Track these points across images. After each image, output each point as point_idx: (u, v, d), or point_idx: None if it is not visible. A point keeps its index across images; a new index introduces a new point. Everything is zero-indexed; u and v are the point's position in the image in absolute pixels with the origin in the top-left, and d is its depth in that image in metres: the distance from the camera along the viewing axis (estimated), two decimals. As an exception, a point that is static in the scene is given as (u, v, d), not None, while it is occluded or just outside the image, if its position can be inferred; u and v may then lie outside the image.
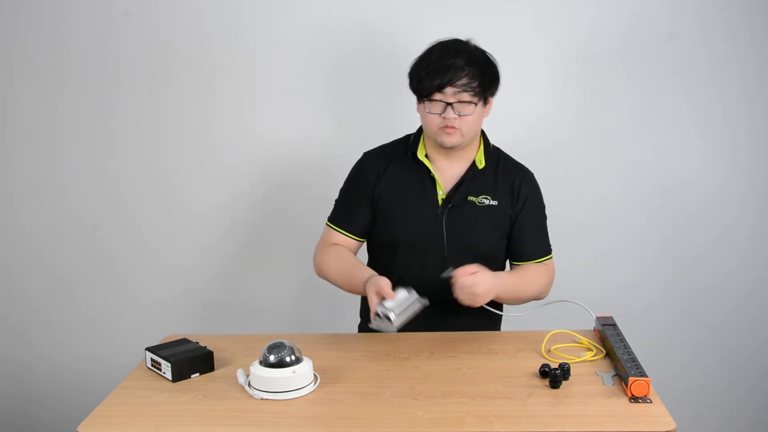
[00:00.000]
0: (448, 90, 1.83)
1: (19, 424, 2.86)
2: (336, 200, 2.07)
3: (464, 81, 1.82)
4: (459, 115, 1.85)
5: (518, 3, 2.50)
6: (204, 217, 2.68)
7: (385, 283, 1.74)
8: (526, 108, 2.56)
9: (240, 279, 2.72)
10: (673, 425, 1.43)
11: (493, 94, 1.93)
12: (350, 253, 2.00)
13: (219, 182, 2.65)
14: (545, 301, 1.91)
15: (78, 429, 1.46)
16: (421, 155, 1.97)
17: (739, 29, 2.49)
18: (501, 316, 2.08)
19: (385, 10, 2.50)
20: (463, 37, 1.92)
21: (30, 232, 2.72)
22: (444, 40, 1.91)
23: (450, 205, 1.94)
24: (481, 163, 1.97)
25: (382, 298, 1.72)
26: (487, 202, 1.96)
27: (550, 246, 2.05)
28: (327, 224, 2.05)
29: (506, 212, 1.98)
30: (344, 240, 2.02)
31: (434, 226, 1.94)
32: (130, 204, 2.67)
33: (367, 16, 2.51)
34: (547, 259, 2.04)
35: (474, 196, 1.95)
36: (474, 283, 1.75)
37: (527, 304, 1.93)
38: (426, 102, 1.87)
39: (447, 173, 1.97)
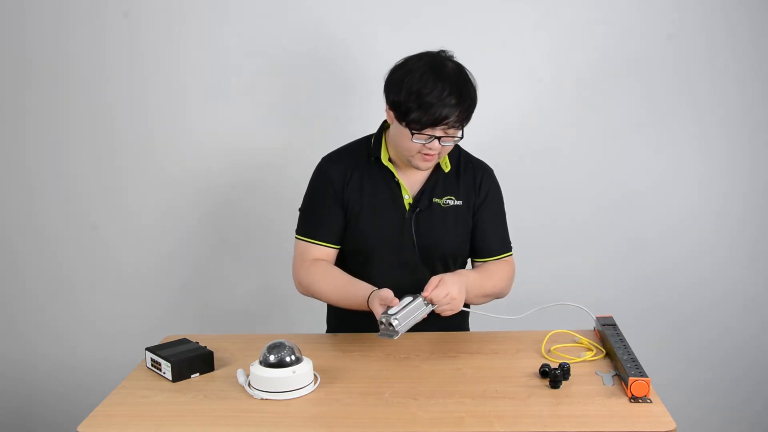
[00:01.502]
0: (440, 126, 1.79)
1: (19, 423, 2.86)
2: (302, 210, 2.02)
3: (455, 119, 1.79)
4: (442, 145, 1.83)
5: (520, 2, 2.50)
6: (205, 217, 2.68)
7: (388, 293, 1.74)
8: (525, 109, 2.56)
9: (241, 279, 2.72)
10: (673, 425, 1.43)
11: None
12: (337, 269, 1.96)
13: (218, 182, 2.65)
14: (544, 305, 1.90)
15: (78, 429, 1.47)
16: (385, 160, 1.95)
17: (740, 29, 2.49)
18: (468, 314, 2.09)
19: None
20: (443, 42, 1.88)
21: (30, 232, 2.72)
22: (432, 60, 1.82)
23: (417, 210, 1.94)
24: (446, 167, 1.97)
25: (388, 308, 1.71)
26: (451, 202, 1.96)
27: (510, 243, 2.05)
28: (299, 238, 1.99)
29: (470, 208, 1.98)
30: (324, 252, 1.97)
31: (403, 231, 1.94)
32: (131, 204, 2.67)
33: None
34: (507, 256, 2.03)
35: (438, 198, 1.95)
36: (446, 292, 1.74)
37: (524, 307, 1.92)
38: (413, 132, 1.82)
39: (412, 177, 1.96)
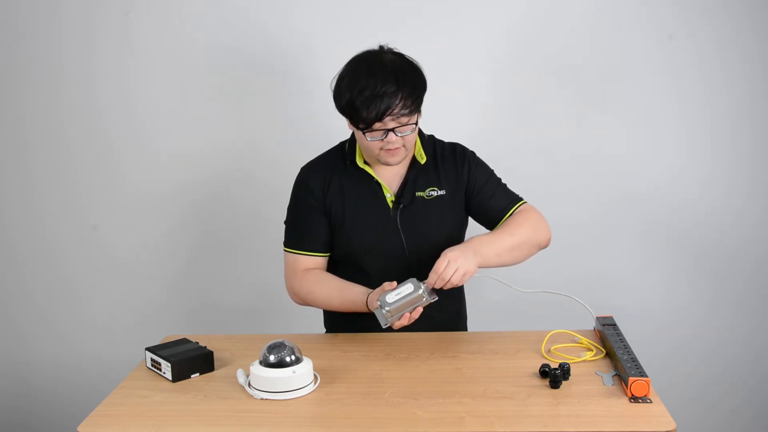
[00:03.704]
0: (386, 118, 1.77)
1: (19, 423, 2.86)
2: (287, 222, 2.01)
3: (400, 106, 1.77)
4: (401, 136, 1.81)
5: (520, 2, 2.50)
6: (204, 217, 2.68)
7: (387, 285, 1.75)
8: (526, 108, 2.56)
9: (241, 279, 2.72)
10: (672, 425, 1.43)
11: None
12: (330, 276, 1.96)
13: (219, 183, 2.65)
14: (547, 292, 1.89)
15: (78, 429, 1.47)
16: (360, 162, 1.94)
17: (741, 29, 2.48)
18: (466, 316, 2.10)
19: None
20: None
21: (31, 232, 2.72)
22: (364, 57, 1.82)
23: (401, 206, 1.93)
24: (422, 159, 1.95)
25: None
26: (435, 193, 1.94)
27: (516, 195, 2.00)
28: (287, 250, 1.98)
29: (456, 196, 1.96)
30: (314, 261, 1.97)
31: (390, 229, 1.93)
32: (131, 204, 2.67)
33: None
34: (520, 205, 1.98)
35: (421, 191, 1.94)
36: (446, 267, 1.72)
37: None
38: (364, 132, 1.81)
39: (390, 174, 1.95)
